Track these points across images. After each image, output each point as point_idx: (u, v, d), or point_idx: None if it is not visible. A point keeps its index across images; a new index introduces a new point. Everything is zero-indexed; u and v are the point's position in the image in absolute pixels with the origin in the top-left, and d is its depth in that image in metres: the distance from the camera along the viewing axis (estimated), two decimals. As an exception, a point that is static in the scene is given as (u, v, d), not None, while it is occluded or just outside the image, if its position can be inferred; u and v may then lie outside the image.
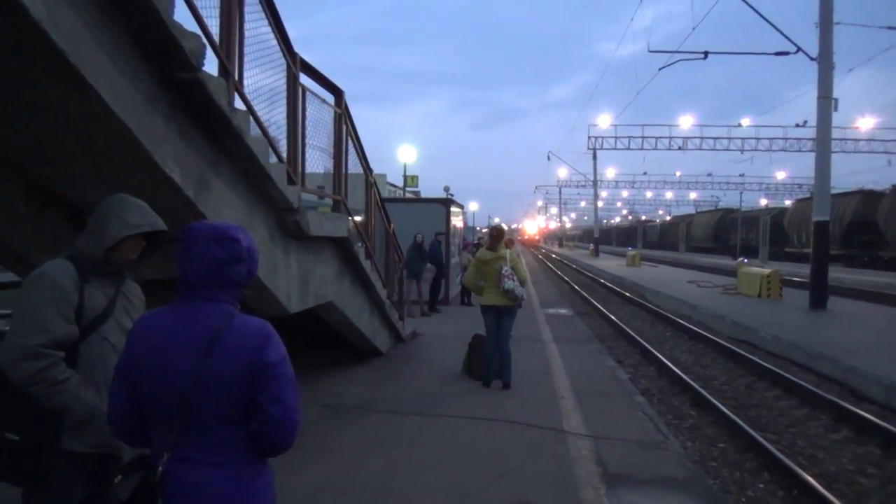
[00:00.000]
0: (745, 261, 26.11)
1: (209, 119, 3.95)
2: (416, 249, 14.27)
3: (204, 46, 3.64)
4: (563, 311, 16.59)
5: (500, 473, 4.94)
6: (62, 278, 2.21)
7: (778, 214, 45.11)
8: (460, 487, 4.70)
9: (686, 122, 43.38)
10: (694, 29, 18.85)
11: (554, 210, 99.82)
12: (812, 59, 15.81)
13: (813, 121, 16.33)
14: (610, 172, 67.33)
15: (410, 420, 6.39)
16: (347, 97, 6.96)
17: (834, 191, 25.31)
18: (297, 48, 5.43)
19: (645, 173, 64.22)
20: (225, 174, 4.34)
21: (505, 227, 9.60)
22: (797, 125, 35.11)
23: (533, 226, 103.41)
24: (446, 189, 31.67)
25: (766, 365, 10.14)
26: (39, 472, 2.08)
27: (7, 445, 2.07)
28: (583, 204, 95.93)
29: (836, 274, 22.81)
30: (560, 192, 78.52)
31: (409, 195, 32.33)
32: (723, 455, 6.62)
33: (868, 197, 35.58)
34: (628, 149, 45.35)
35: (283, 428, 1.86)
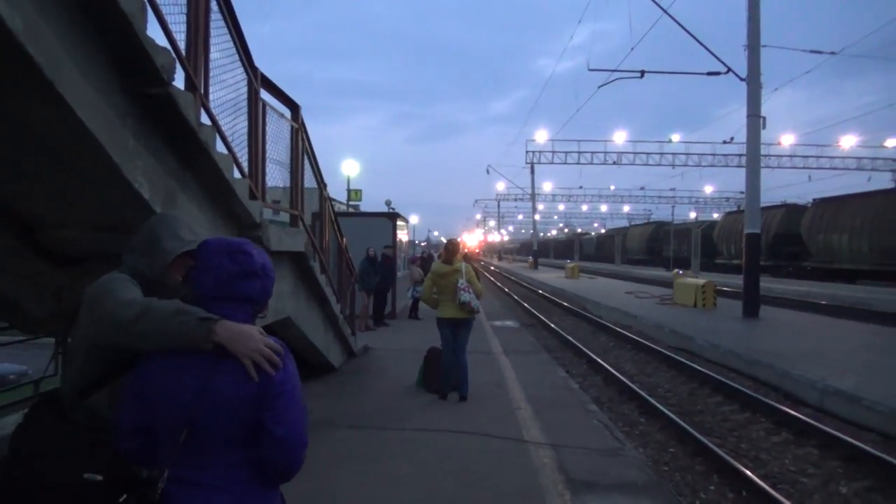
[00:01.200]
0: (681, 272, 27.01)
1: (177, 134, 3.91)
2: (368, 263, 14.24)
3: (174, 61, 3.62)
4: (509, 323, 16.82)
5: (468, 485, 5.00)
6: (132, 281, 2.08)
7: (708, 227, 46.85)
8: (432, 500, 4.75)
9: (620, 138, 44.72)
10: (632, 49, 19.54)
11: (492, 223, 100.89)
12: (742, 79, 16.59)
13: (740, 137, 17.22)
14: (547, 186, 68.69)
15: (373, 434, 6.40)
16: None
17: (761, 205, 26.49)
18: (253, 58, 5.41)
19: (581, 187, 65.87)
20: (191, 189, 4.30)
21: (443, 240, 9.70)
22: (725, 141, 36.67)
23: (473, 239, 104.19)
24: (388, 203, 31.58)
25: (706, 372, 10.54)
26: None
27: (89, 488, 1.84)
28: (520, 217, 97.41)
29: (765, 284, 23.74)
30: (498, 206, 79.55)
31: (350, 209, 32.14)
32: (674, 459, 6.84)
33: (792, 210, 37.46)
34: (565, 163, 46.40)
35: (289, 449, 1.80)
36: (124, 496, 1.82)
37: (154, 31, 3.66)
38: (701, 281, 20.72)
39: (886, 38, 24.81)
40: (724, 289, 23.59)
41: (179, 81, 4.06)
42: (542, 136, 45.96)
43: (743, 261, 17.20)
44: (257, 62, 5.41)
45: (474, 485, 5.00)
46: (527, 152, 46.69)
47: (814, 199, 35.68)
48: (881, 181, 42.72)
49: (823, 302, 21.25)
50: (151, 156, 3.73)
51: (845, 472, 6.33)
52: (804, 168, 44.38)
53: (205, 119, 4.34)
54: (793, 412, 8.05)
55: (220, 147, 4.64)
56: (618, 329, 16.21)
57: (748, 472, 6.03)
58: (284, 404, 1.80)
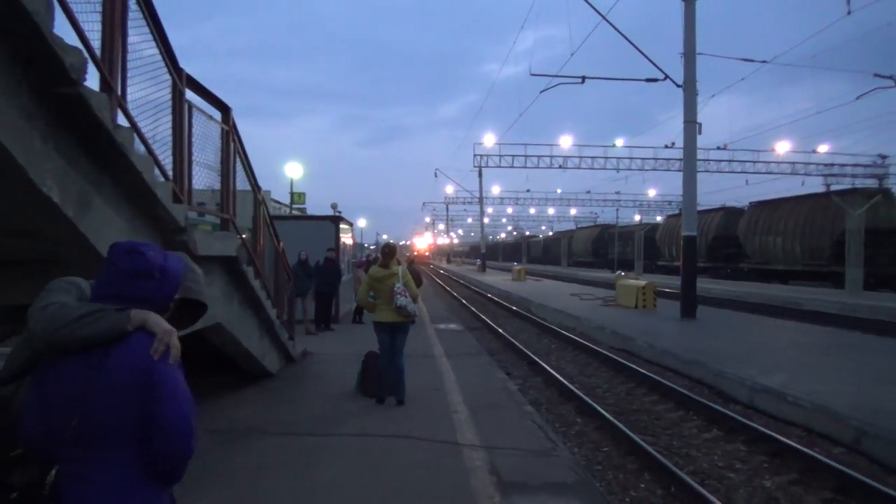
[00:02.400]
0: (623, 274, 27.55)
1: (91, 136, 3.80)
2: (300, 267, 14.10)
3: (86, 61, 3.52)
4: (453, 326, 16.86)
5: (398, 490, 4.98)
6: (75, 284, 2.01)
7: (650, 230, 47.94)
8: (360, 506, 4.71)
9: (566, 142, 45.29)
10: (572, 55, 19.83)
11: (442, 226, 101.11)
12: (678, 85, 17.03)
13: (680, 142, 17.54)
14: (495, 189, 69.20)
15: (306, 441, 6.32)
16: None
17: (700, 207, 27.24)
18: (177, 59, 5.30)
19: (528, 190, 66.43)
20: (108, 193, 4.17)
21: (392, 243, 9.68)
22: (666, 146, 37.53)
23: (423, 242, 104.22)
24: (334, 206, 31.36)
25: (643, 372, 10.76)
26: None
27: None
28: (469, 220, 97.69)
29: (704, 285, 24.52)
30: (447, 209, 79.71)
31: (295, 212, 31.81)
32: (607, 459, 6.95)
33: (730, 213, 38.64)
34: (512, 167, 46.78)
35: (174, 438, 1.82)
36: (15, 494, 1.78)
37: (66, 30, 3.56)
38: (642, 282, 21.16)
39: (815, 47, 25.82)
40: (666, 290, 24.15)
41: (95, 82, 3.95)
42: (489, 140, 46.24)
43: (680, 263, 17.64)
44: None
45: (404, 489, 4.98)
46: (474, 156, 47.00)
47: (750, 203, 36.84)
48: (814, 185, 44.51)
49: (758, 302, 21.95)
50: (62, 158, 3.61)
51: (770, 467, 6.55)
52: (742, 172, 45.77)
53: (123, 121, 4.23)
54: (723, 410, 8.29)
55: (141, 149, 4.55)
56: (561, 331, 16.41)
57: (675, 469, 6.18)
58: (169, 394, 1.82)
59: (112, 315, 1.83)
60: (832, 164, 45.91)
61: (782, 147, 43.17)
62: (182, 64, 5.41)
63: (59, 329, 1.79)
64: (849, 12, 16.80)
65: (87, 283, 2.01)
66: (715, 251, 37.79)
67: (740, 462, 6.76)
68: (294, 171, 30.24)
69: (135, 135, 4.34)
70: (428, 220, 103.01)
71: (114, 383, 1.79)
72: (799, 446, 6.76)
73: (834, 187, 39.91)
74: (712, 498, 5.47)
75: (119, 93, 4.17)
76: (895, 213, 27.19)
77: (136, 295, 1.91)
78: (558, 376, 10.73)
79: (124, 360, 1.81)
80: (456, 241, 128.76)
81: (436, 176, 57.86)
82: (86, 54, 3.57)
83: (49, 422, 1.82)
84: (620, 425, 7.70)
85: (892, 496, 5.38)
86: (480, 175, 50.47)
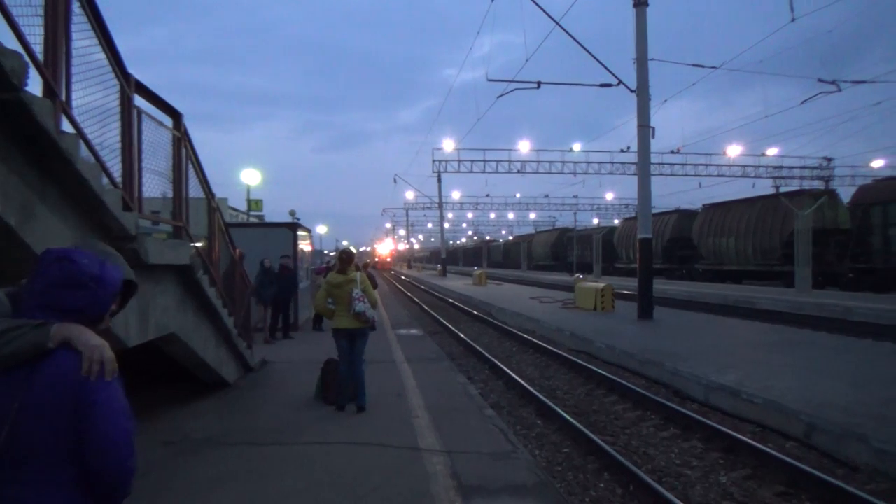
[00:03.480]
0: (582, 277, 27.86)
1: (33, 142, 3.69)
2: (264, 275, 13.91)
3: (26, 65, 3.42)
4: (414, 331, 16.81)
5: (358, 497, 4.93)
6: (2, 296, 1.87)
7: (608, 233, 48.63)
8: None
9: (524, 147, 45.73)
10: (527, 60, 20.02)
11: (402, 232, 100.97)
12: (632, 91, 17.31)
13: (635, 146, 17.81)
14: (455, 195, 69.43)
15: (264, 450, 6.22)
16: (185, 118, 6.74)
17: (654, 210, 27.74)
18: (125, 64, 5.19)
19: (488, 195, 66.84)
20: (53, 201, 4.05)
21: (353, 249, 9.62)
22: (622, 150, 38.08)
23: (384, 248, 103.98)
24: (292, 213, 31.05)
25: (602, 373, 10.88)
26: None
27: None
28: (430, 225, 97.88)
29: (660, 286, 24.93)
30: (407, 215, 79.65)
31: (253, 219, 31.42)
32: (567, 460, 7.00)
33: (684, 216, 39.41)
34: (471, 172, 46.99)
35: (113, 455, 1.74)
36: None
37: (5, 34, 3.46)
38: (600, 285, 21.42)
39: (762, 53, 26.60)
40: (623, 291, 24.51)
41: (38, 87, 3.84)
42: (448, 145, 46.37)
43: (637, 265, 17.92)
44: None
45: (364, 497, 4.94)
46: (433, 161, 47.05)
47: (703, 205, 37.63)
48: (764, 187, 45.74)
49: (712, 302, 22.40)
50: (3, 165, 3.50)
51: (725, 463, 6.68)
52: (694, 176, 46.79)
53: (68, 127, 4.13)
54: (680, 408, 8.42)
55: (88, 156, 4.44)
56: (521, 334, 16.50)
57: (634, 468, 6.26)
58: (102, 411, 1.73)
59: (29, 333, 1.71)
60: (781, 167, 47.24)
61: (733, 150, 44.32)
62: (133, 69, 5.30)
63: None
64: (793, 19, 17.30)
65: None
66: (670, 253, 38.51)
67: (696, 459, 6.88)
68: (251, 177, 29.82)
69: (81, 141, 4.23)
70: (388, 225, 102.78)
71: (40, 402, 1.69)
72: (752, 442, 6.90)
73: (783, 189, 41.04)
74: (670, 495, 5.55)
75: (63, 98, 4.07)
76: (840, 213, 28.08)
77: (68, 306, 1.80)
78: (519, 379, 10.78)
79: (50, 377, 1.71)
80: (417, 246, 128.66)
81: (395, 182, 57.80)
82: (27, 59, 3.47)
83: None
84: (580, 426, 7.77)
85: (841, 488, 5.53)
86: (440, 180, 50.56)
